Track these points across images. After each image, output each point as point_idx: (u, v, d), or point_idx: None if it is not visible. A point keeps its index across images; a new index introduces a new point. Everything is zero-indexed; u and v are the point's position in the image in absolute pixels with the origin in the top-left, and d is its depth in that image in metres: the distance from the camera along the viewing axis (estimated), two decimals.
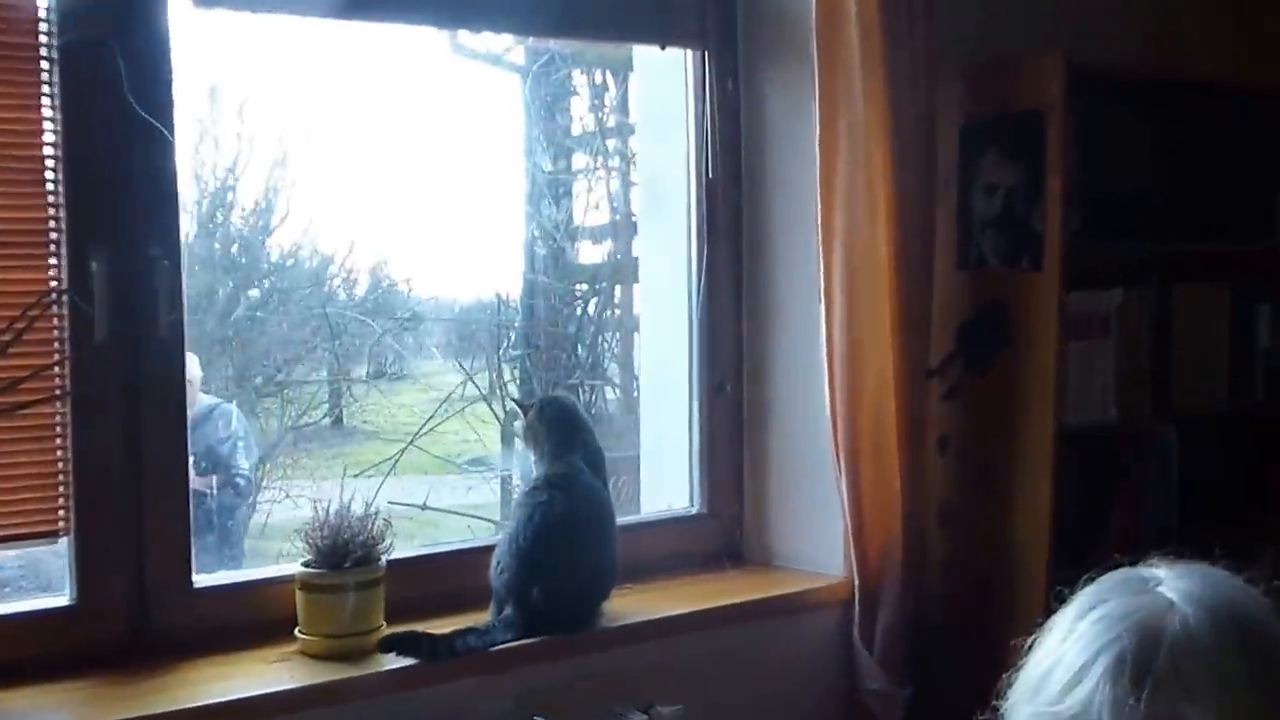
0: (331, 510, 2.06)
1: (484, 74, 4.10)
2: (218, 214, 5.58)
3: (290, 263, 6.01)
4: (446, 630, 2.02)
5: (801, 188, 2.51)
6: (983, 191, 2.50)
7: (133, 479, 2.02)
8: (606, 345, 3.97)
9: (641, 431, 2.91)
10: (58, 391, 1.92)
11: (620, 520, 2.56)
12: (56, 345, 1.94)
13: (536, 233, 4.25)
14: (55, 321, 1.93)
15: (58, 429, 1.95)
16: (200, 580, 2.12)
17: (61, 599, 1.96)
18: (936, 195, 2.44)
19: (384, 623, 2.05)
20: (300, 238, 6.03)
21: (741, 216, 2.70)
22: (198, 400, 3.91)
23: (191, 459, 3.71)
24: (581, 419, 2.30)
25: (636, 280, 2.95)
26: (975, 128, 2.49)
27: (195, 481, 3.67)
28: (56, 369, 1.91)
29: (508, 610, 2.13)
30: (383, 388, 5.40)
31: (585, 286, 4.00)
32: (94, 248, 1.93)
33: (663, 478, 2.79)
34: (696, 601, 2.32)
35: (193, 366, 3.94)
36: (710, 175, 2.55)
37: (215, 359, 5.56)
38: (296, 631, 2.02)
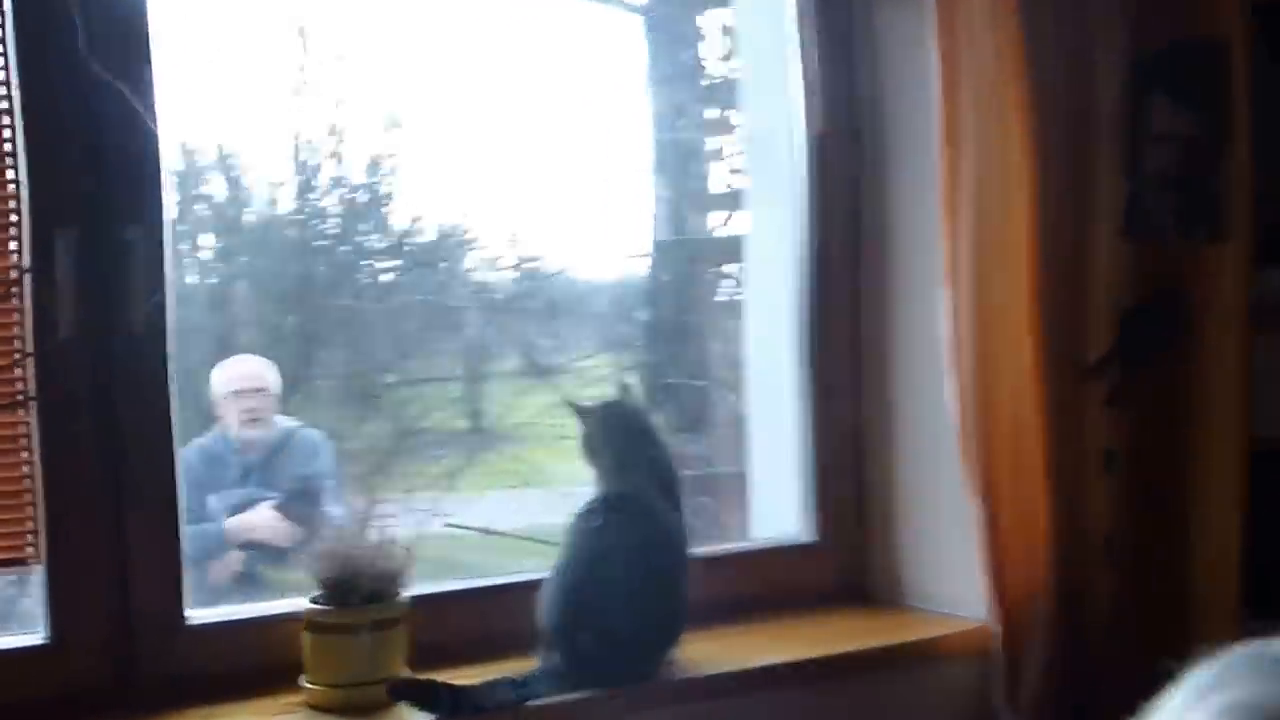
0: (341, 534, 2.04)
1: (603, 16, 4.10)
2: (313, 185, 5.68)
3: (407, 243, 6.11)
4: (476, 680, 1.96)
5: (930, 143, 2.38)
6: (1151, 143, 2.30)
7: (112, 497, 2.01)
8: (723, 337, 3.95)
9: (749, 442, 2.84)
10: (20, 397, 1.90)
11: (717, 549, 2.56)
12: (17, 343, 1.92)
13: (663, 203, 4.25)
14: (15, 317, 1.92)
15: (22, 440, 1.94)
16: (194, 616, 2.10)
17: (34, 637, 1.96)
18: (1091, 148, 2.29)
19: (406, 670, 2.06)
20: (415, 212, 6.14)
21: (859, 182, 2.59)
22: (272, 419, 4.10)
23: (245, 499, 3.91)
24: (649, 428, 2.22)
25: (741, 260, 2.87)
26: (1142, 62, 2.29)
27: (263, 529, 3.85)
28: (18, 370, 1.89)
29: (555, 657, 2.04)
30: (524, 385, 5.43)
31: (710, 265, 3.98)
32: (59, 228, 1.92)
33: (774, 498, 2.72)
34: (798, 648, 2.26)
35: (265, 372, 4.10)
36: (817, 129, 2.53)
37: (309, 358, 5.71)
38: (302, 679, 1.99)
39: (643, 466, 2.16)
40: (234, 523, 3.95)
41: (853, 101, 2.57)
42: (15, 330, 1.93)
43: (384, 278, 6.34)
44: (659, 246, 4.30)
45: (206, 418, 4.14)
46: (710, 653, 2.22)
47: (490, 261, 6.59)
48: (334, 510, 3.83)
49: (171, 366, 2.06)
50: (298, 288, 5.73)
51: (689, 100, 4.06)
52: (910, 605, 2.51)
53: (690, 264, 4.22)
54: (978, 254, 2.27)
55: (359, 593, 1.96)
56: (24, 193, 1.92)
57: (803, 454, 2.63)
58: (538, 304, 6.08)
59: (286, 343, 5.61)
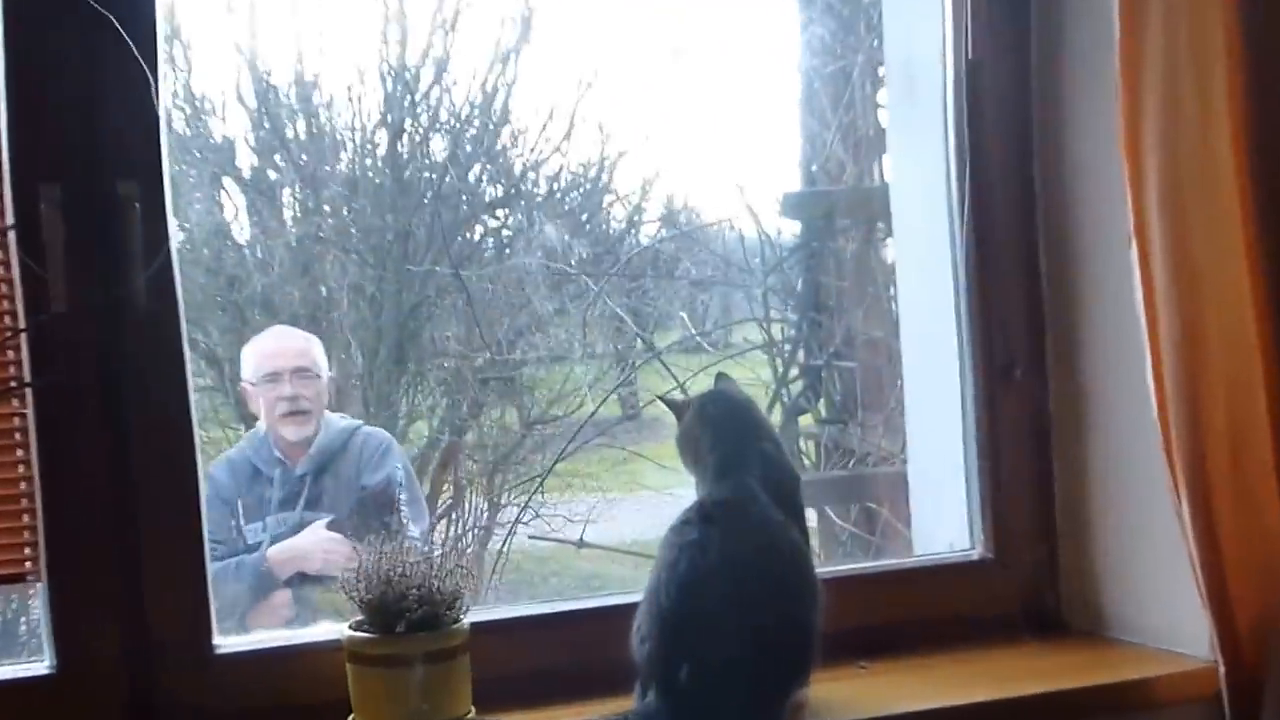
0: (378, 550, 2.00)
1: None
2: (406, 127, 5.67)
3: (528, 192, 6.07)
4: None
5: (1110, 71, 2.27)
6: None
7: (123, 503, 2.01)
8: (873, 304, 3.97)
9: (907, 436, 2.82)
10: (13, 383, 1.89)
11: (866, 567, 2.59)
12: (6, 319, 1.93)
13: (811, 143, 4.27)
14: (2, 288, 1.92)
15: (17, 435, 1.94)
16: (223, 643, 2.10)
17: (39, 665, 1.99)
18: None
19: (471, 710, 2.01)
20: (538, 156, 6.06)
21: (1028, 121, 2.52)
22: (321, 414, 3.94)
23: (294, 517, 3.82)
24: (759, 422, 2.18)
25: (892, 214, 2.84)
26: None
27: (316, 558, 3.64)
28: (9, 350, 1.89)
29: (650, 697, 1.98)
30: (685, 363, 5.41)
31: (848, 221, 3.94)
32: (44, 182, 1.92)
33: (938, 504, 2.68)
34: (967, 689, 2.23)
35: (310, 349, 3.98)
36: (971, 55, 2.45)
37: (411, 335, 5.73)
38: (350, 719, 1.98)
39: (751, 467, 2.09)
40: (278, 551, 3.70)
41: (1018, 28, 2.51)
42: (4, 305, 1.93)
43: (500, 234, 6.33)
44: (803, 198, 4.33)
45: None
46: (852, 694, 2.18)
47: (631, 216, 6.54)
48: (409, 531, 3.77)
49: (189, 348, 2.05)
50: (394, 248, 5.77)
51: (838, 32, 4.08)
52: (1109, 636, 2.48)
53: (837, 218, 4.23)
54: (1172, 200, 2.18)
55: (408, 618, 1.95)
56: (3, 141, 1.92)
57: (973, 449, 2.57)
58: (685, 266, 6.05)
59: (380, 316, 5.69)
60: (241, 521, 3.83)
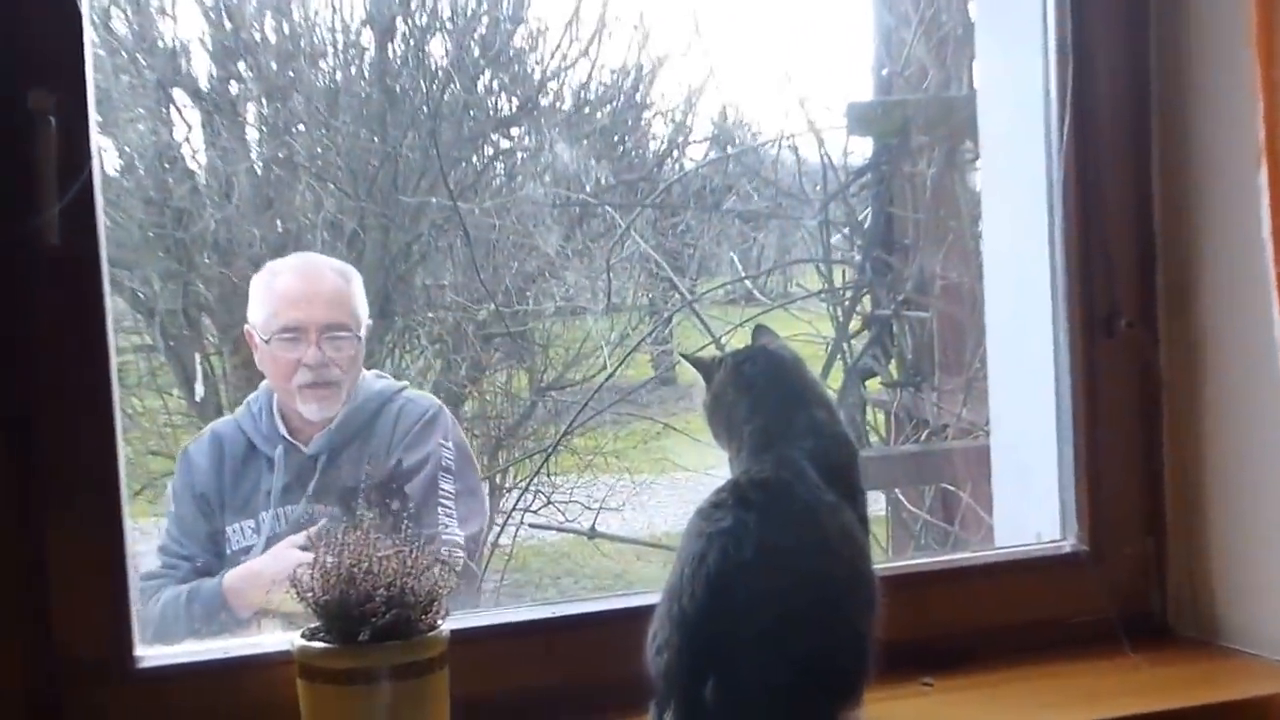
0: (338, 540, 2.00)
1: None
2: (398, 27, 5.63)
3: (546, 110, 6.02)
4: None
5: None
6: None
7: (24, 487, 2.01)
8: (955, 242, 3.94)
9: (991, 403, 2.84)
10: None
11: (940, 561, 2.59)
12: None
13: (886, 49, 4.26)
14: None
15: None
16: (147, 656, 2.10)
17: None
18: None
19: None
20: (559, 64, 6.00)
21: (1143, 8, 2.51)
22: (359, 377, 3.67)
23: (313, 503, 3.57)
24: (808, 383, 2.16)
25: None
26: None
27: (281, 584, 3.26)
28: None
29: (667, 717, 1.96)
30: (731, 315, 5.42)
31: (926, 139, 3.93)
32: None
33: (1025, 487, 2.70)
34: (1052, 710, 2.26)
35: (347, 288, 3.66)
36: None
37: (399, 282, 5.73)
38: None
39: (797, 438, 2.06)
40: (235, 578, 3.44)
41: None
42: None
43: (511, 159, 6.26)
44: (874, 110, 4.31)
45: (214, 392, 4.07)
46: (917, 714, 2.18)
47: (671, 136, 6.49)
48: (450, 534, 3.56)
49: (110, 296, 2.03)
50: (380, 175, 5.74)
51: None
52: (1223, 646, 2.49)
53: (914, 135, 4.21)
54: None
55: (373, 624, 1.95)
56: None
57: (1067, 419, 2.57)
58: (734, 199, 6.00)
59: (362, 259, 5.66)
60: (224, 521, 3.60)
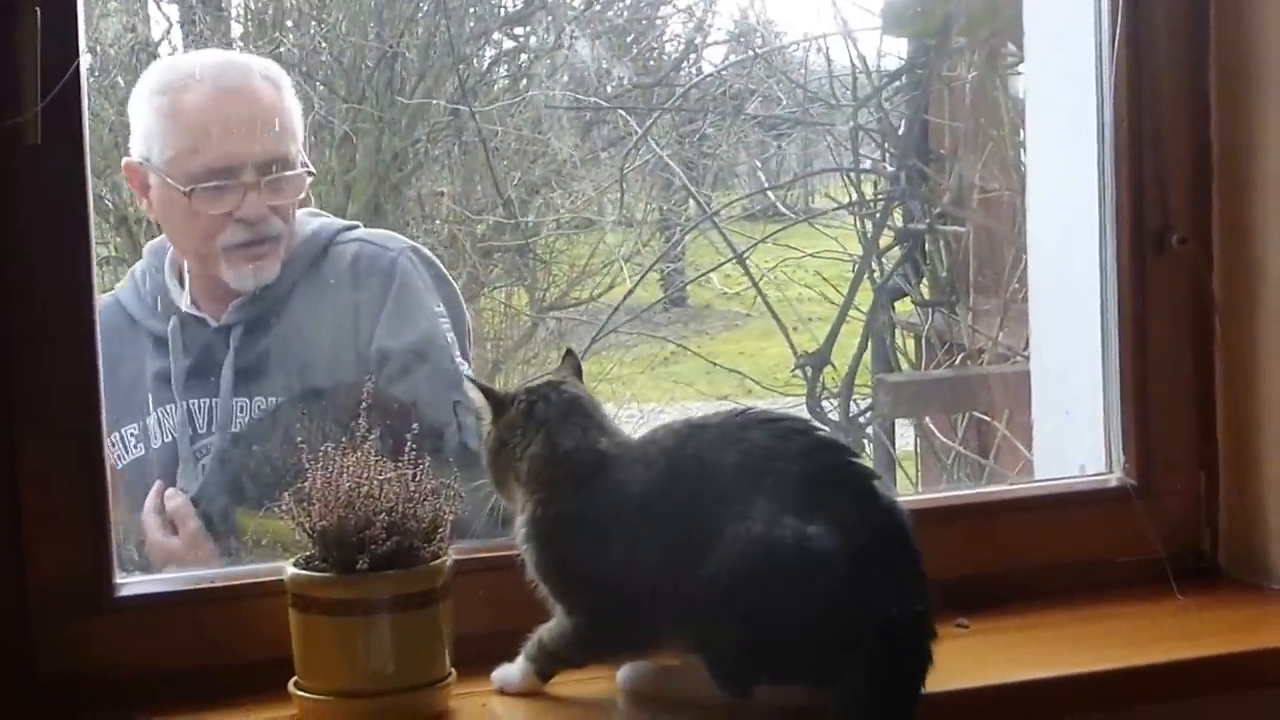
0: (335, 460, 2.00)
1: None
2: None
3: (556, 4, 5.97)
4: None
5: None
6: None
7: None
8: (995, 151, 3.91)
9: (1031, 325, 2.86)
10: None
11: (976, 494, 2.65)
12: None
13: None
14: None
15: None
16: (127, 583, 2.11)
17: None
18: None
19: (451, 673, 2.05)
20: None
21: None
22: (291, 231, 2.96)
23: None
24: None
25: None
26: None
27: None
28: None
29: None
30: (751, 231, 5.41)
31: (966, 41, 3.90)
32: None
33: (1067, 417, 2.70)
34: (1095, 653, 2.26)
35: (286, 111, 2.97)
36: None
37: (393, 190, 5.69)
38: (292, 684, 2.01)
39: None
40: None
41: None
42: None
43: (517, 58, 6.21)
44: (911, 8, 4.27)
45: None
46: (949, 660, 2.09)
47: (691, 34, 6.45)
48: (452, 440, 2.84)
49: (94, 198, 2.04)
50: (375, 75, 5.70)
51: None
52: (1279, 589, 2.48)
53: (954, 35, 4.17)
54: None
55: (372, 551, 1.95)
56: None
57: (1114, 343, 2.57)
58: (756, 104, 5.96)
59: (353, 167, 5.63)
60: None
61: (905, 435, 5.15)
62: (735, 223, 5.52)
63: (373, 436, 2.03)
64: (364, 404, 2.09)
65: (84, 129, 2.01)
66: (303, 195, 2.97)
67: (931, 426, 4.61)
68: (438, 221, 5.83)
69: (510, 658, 2.09)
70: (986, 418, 4.35)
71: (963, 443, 4.47)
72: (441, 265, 3.04)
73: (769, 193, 5.62)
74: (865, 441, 4.69)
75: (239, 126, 2.89)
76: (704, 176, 6.05)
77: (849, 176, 4.84)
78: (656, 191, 6.10)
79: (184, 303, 2.95)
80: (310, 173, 2.99)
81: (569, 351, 2.26)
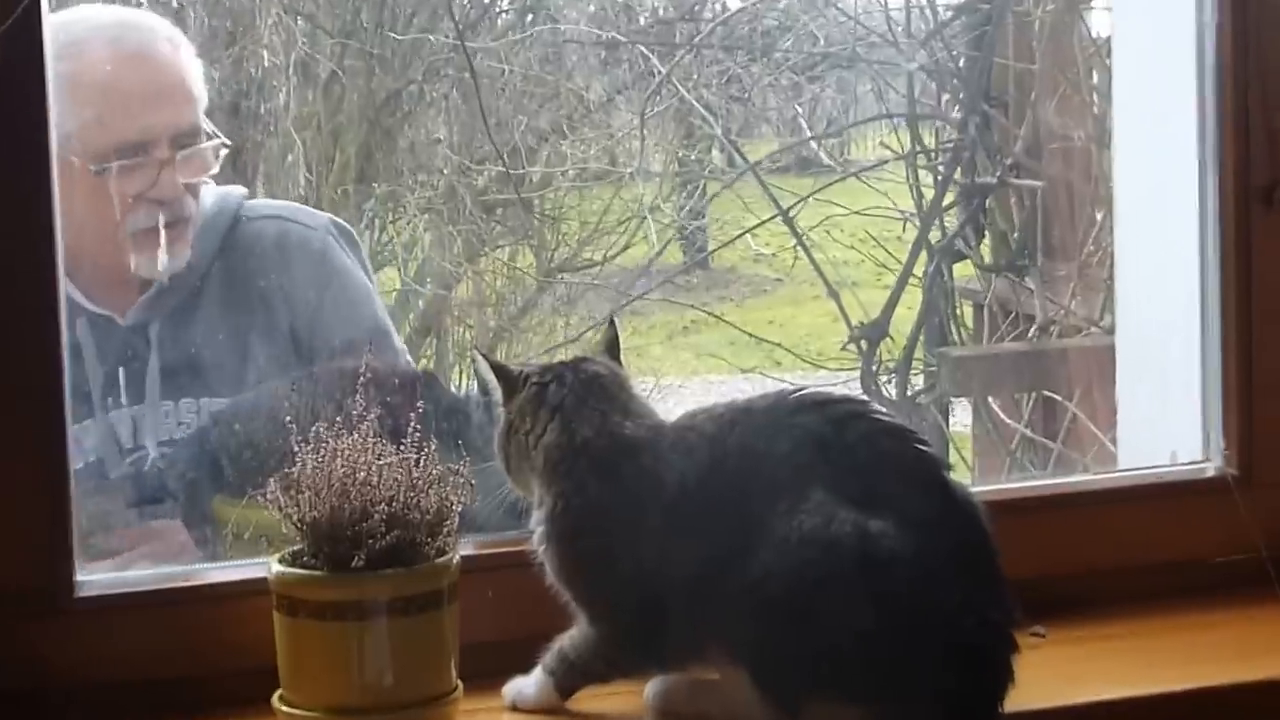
0: (329, 445, 1.98)
1: None
2: None
3: None
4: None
5: None
6: None
7: None
8: (1071, 94, 3.91)
9: (1116, 292, 2.86)
10: None
11: (1049, 485, 2.64)
12: None
13: None
14: None
15: None
16: (89, 582, 2.11)
17: None
18: None
19: (458, 686, 2.04)
20: None
21: None
22: (195, 202, 2.95)
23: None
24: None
25: None
26: None
27: None
28: None
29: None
30: (786, 186, 5.38)
31: None
32: None
33: (1158, 397, 2.70)
34: (1190, 667, 2.25)
35: (188, 77, 2.98)
36: None
37: (384, 139, 5.68)
38: (276, 698, 2.00)
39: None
40: None
41: None
42: None
43: None
44: None
45: None
46: (1024, 673, 2.07)
47: None
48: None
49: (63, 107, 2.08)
50: (364, 6, 5.69)
51: None
52: None
53: None
54: None
55: (370, 547, 1.94)
56: None
57: (1214, 314, 2.55)
58: (793, 39, 5.95)
59: (339, 111, 5.62)
60: None
61: (962, 415, 5.14)
62: (770, 175, 5.49)
63: (370, 416, 2.01)
64: (361, 379, 2.05)
65: (44, 49, 2.06)
66: (214, 170, 2.97)
67: (995, 407, 4.60)
68: (434, 172, 5.80)
69: (525, 669, 2.08)
70: (1058, 396, 4.34)
71: (1029, 425, 4.46)
72: (354, 232, 3.12)
73: (810, 143, 5.60)
74: (921, 425, 4.69)
75: (147, 96, 2.90)
76: (734, 122, 6.02)
77: (904, 124, 4.81)
78: (677, 141, 6.08)
79: (82, 300, 2.90)
80: (226, 145, 3.00)
81: (610, 321, 2.26)
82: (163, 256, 2.88)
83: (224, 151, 2.99)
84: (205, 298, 2.94)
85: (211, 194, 3.01)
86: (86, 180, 2.81)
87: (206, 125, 2.93)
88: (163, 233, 2.87)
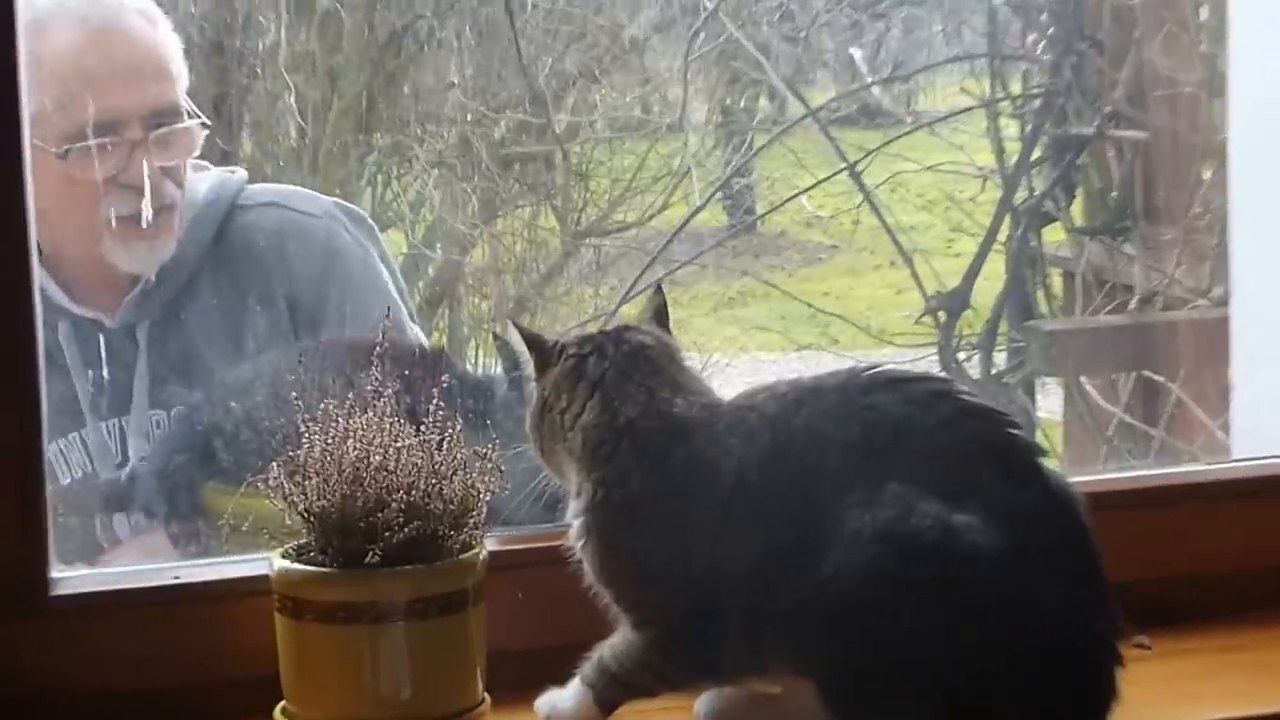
0: (340, 426, 1.98)
1: None
2: None
3: None
4: None
5: None
6: None
7: None
8: (1177, 32, 3.90)
9: (1230, 261, 2.87)
10: None
11: (1150, 476, 2.68)
12: None
13: None
14: None
15: None
16: (66, 579, 2.12)
17: None
18: None
19: (485, 699, 2.05)
20: None
21: None
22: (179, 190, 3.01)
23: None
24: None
25: None
26: None
27: None
28: None
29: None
30: (846, 138, 5.38)
31: None
32: None
33: (1275, 379, 2.71)
34: None
35: (166, 50, 3.07)
36: None
37: (385, 83, 5.68)
38: (279, 711, 2.01)
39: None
40: None
41: None
42: None
43: None
44: None
45: None
46: (1134, 684, 2.08)
47: None
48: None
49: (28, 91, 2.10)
50: None
51: None
52: None
53: None
54: None
55: (386, 541, 1.95)
56: None
57: None
58: None
59: (336, 51, 5.61)
60: None
61: (1052, 397, 5.12)
62: (828, 126, 5.48)
63: (387, 392, 2.01)
64: (377, 351, 2.05)
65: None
66: (196, 153, 3.02)
67: (1089, 388, 4.58)
68: (445, 121, 5.79)
69: (560, 681, 2.07)
70: (1159, 378, 4.32)
71: (1127, 409, 4.45)
72: (367, 217, 3.15)
73: (874, 90, 5.59)
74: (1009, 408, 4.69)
75: (115, 73, 2.97)
76: (786, 64, 6.01)
77: (984, 68, 4.79)
78: (724, 83, 6.07)
79: (65, 301, 2.97)
80: (205, 124, 3.05)
81: (657, 287, 2.23)
82: (145, 249, 2.97)
83: (204, 133, 3.04)
84: (198, 295, 2.99)
85: (207, 179, 3.08)
86: (50, 166, 2.85)
87: (187, 104, 2.99)
88: (142, 222, 2.92)
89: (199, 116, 3.02)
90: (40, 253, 2.23)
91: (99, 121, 2.89)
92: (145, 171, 2.90)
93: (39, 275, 2.54)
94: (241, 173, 3.19)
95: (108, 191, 2.92)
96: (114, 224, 2.93)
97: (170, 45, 3.03)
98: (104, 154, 2.90)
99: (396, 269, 3.11)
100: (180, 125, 2.98)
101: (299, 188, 3.39)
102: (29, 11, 2.62)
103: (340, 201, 3.15)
